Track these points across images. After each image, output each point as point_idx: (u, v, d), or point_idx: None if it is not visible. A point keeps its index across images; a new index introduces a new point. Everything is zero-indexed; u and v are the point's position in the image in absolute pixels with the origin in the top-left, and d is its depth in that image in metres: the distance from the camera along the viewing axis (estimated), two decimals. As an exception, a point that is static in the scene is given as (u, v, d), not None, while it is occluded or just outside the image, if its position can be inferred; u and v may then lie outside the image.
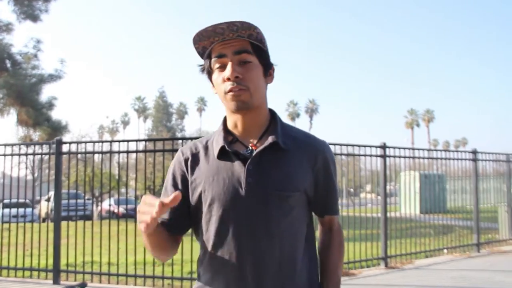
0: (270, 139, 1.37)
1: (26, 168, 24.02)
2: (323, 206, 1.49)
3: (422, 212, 11.48)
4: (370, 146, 7.70)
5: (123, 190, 18.29)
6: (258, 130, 1.43)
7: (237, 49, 1.34)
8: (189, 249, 6.03)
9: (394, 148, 8.02)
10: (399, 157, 8.11)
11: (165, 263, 6.39)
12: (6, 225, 7.94)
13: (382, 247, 7.76)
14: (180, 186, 1.45)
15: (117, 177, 8.77)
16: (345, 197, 10.67)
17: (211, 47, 1.38)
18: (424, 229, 9.70)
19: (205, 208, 1.39)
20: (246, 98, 1.35)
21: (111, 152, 6.63)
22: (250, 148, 1.40)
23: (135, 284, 6.36)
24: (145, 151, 7.28)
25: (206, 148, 1.46)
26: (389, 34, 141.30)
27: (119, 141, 6.68)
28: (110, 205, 12.53)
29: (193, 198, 1.43)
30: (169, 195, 1.19)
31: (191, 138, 6.78)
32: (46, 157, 7.20)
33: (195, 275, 6.19)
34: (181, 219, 1.45)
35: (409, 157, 8.46)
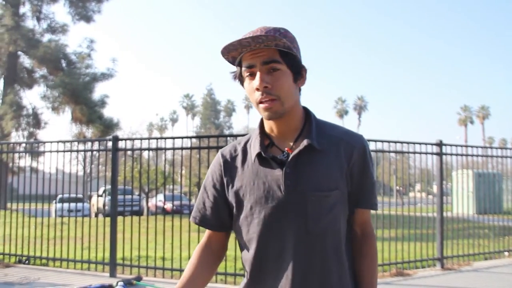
0: (305, 142, 1.39)
1: (78, 164, 24.83)
2: (356, 199, 1.46)
3: (476, 213, 11.09)
4: (426, 144, 7.47)
5: (171, 186, 18.64)
6: (294, 132, 1.44)
7: (265, 60, 1.34)
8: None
9: (451, 145, 7.77)
10: (456, 155, 7.83)
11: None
12: (62, 219, 8.21)
13: (438, 248, 7.53)
14: (218, 187, 1.51)
15: (166, 174, 8.93)
16: (394, 196, 10.45)
17: (240, 56, 1.40)
18: (481, 230, 9.35)
19: (246, 211, 1.44)
20: (277, 108, 1.37)
21: (165, 149, 6.72)
22: (286, 152, 1.41)
23: (189, 279, 6.43)
24: (194, 148, 7.35)
25: (244, 151, 1.50)
26: (441, 29, 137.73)
27: (173, 138, 6.78)
28: (160, 201, 12.75)
29: (232, 201, 1.48)
30: (208, 195, 1.51)
31: (238, 135, 6.74)
32: (98, 154, 7.39)
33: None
34: (223, 218, 1.52)
35: (466, 155, 8.16)
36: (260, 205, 1.41)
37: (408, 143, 7.43)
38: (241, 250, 1.51)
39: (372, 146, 7.09)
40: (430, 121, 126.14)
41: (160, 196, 20.24)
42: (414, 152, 7.44)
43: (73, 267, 7.19)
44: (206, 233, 1.58)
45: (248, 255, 1.46)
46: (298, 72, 1.40)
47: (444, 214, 7.72)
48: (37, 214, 8.11)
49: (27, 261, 7.55)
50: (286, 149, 1.42)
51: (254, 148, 1.45)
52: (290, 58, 1.36)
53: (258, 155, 1.43)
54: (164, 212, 7.27)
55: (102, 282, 5.63)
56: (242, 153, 1.49)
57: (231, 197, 1.48)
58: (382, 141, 7.18)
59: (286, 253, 1.39)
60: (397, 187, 10.34)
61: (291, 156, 1.39)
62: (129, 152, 7.84)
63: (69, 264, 7.24)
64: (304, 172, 1.38)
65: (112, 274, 6.63)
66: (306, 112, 1.49)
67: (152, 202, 23.25)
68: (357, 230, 1.50)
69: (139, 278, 6.26)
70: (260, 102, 1.37)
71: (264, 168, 1.42)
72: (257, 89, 1.36)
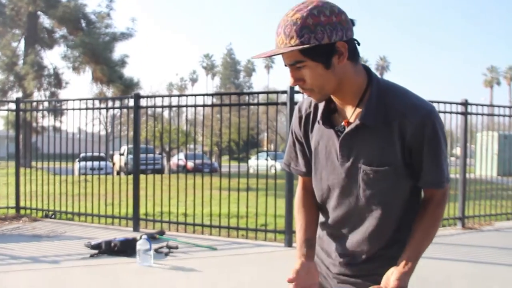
0: (357, 121, 1.40)
1: (100, 124, 25.10)
2: (420, 178, 1.45)
3: (500, 175, 10.92)
4: (450, 103, 7.33)
5: (192, 146, 18.77)
6: (353, 101, 1.44)
7: (289, 63, 1.37)
8: (264, 202, 6.10)
9: (476, 105, 7.59)
10: (482, 114, 7.65)
11: (240, 215, 6.52)
12: (86, 177, 8.36)
13: (459, 207, 7.49)
14: (299, 138, 1.62)
15: (187, 132, 8.97)
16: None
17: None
18: (505, 191, 9.25)
19: (313, 165, 1.58)
20: (316, 97, 1.43)
21: (186, 106, 6.71)
22: (343, 125, 1.45)
23: (210, 234, 6.54)
24: (215, 105, 7.33)
25: (316, 108, 1.55)
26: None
27: (194, 95, 6.76)
28: (181, 160, 12.90)
29: (308, 152, 1.62)
30: (295, 145, 1.64)
31: (257, 93, 6.75)
32: (119, 113, 7.42)
33: (269, 227, 6.29)
34: (311, 164, 1.62)
35: (492, 115, 7.98)
36: (321, 165, 1.54)
37: (432, 102, 7.28)
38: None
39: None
40: (455, 83, 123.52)
41: (181, 155, 20.41)
42: (438, 111, 7.29)
43: (97, 221, 7.36)
44: (299, 179, 1.71)
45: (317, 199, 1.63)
46: (329, 57, 1.34)
47: (467, 175, 7.64)
48: (61, 172, 8.27)
49: (53, 216, 7.75)
50: (344, 122, 1.45)
51: (319, 112, 1.51)
52: (312, 51, 1.32)
53: (322, 119, 1.49)
54: (185, 170, 7.31)
55: (126, 236, 5.76)
56: (314, 110, 1.56)
57: (308, 150, 1.61)
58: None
59: (338, 215, 1.54)
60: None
61: (345, 132, 1.43)
62: (150, 112, 7.86)
63: (93, 219, 7.41)
64: (356, 146, 1.43)
65: (136, 229, 6.77)
66: (369, 76, 1.44)
67: (173, 161, 23.50)
68: (424, 199, 1.51)
69: (162, 233, 6.40)
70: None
71: (327, 131, 1.49)
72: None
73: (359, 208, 1.49)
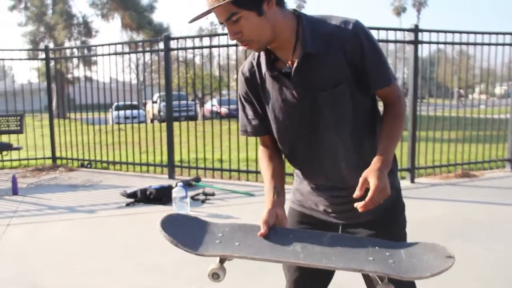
0: (301, 52, 1.46)
1: (131, 72, 25.06)
2: (370, 83, 1.50)
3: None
4: (503, 33, 6.74)
5: (224, 92, 18.53)
6: (290, 44, 1.49)
7: (224, 18, 1.40)
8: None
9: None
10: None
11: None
12: (119, 126, 8.29)
13: (508, 149, 7.10)
14: (250, 100, 1.65)
15: (218, 78, 8.67)
16: (455, 97, 9.77)
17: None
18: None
19: (272, 119, 1.60)
20: (255, 47, 1.48)
21: (219, 46, 6.38)
22: (289, 65, 1.50)
23: (247, 180, 6.38)
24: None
25: (259, 65, 1.58)
26: None
27: (226, 35, 6.40)
28: (214, 105, 12.65)
29: (262, 112, 1.64)
30: (246, 109, 1.67)
31: None
32: (150, 61, 7.16)
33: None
34: (266, 124, 1.66)
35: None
36: (281, 113, 1.56)
37: (485, 33, 6.71)
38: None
39: (434, 37, 6.46)
40: (504, 17, 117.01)
41: (214, 101, 20.24)
42: (483, 44, 6.72)
43: (132, 170, 7.31)
44: (259, 141, 1.74)
45: (286, 156, 1.69)
46: (259, 4, 1.40)
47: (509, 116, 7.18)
48: (94, 122, 8.22)
49: (89, 165, 7.74)
50: (289, 62, 1.50)
51: (263, 65, 1.55)
52: (242, 1, 1.37)
53: (269, 71, 1.53)
54: (219, 116, 7.11)
55: (162, 184, 5.65)
56: (257, 68, 1.59)
57: (260, 109, 1.64)
58: (446, 32, 6.50)
59: (313, 147, 1.57)
60: (458, 89, 9.64)
61: (294, 67, 1.47)
62: (181, 55, 7.58)
63: (128, 167, 7.36)
64: (308, 78, 1.48)
65: (171, 176, 6.68)
66: (298, 17, 1.50)
67: (206, 107, 23.40)
68: (384, 105, 1.59)
69: (197, 179, 6.27)
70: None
71: (276, 81, 1.53)
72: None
73: (331, 142, 1.53)
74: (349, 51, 1.45)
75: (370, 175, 1.39)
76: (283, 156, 1.72)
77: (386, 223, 1.61)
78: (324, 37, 1.46)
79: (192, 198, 5.25)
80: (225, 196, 5.54)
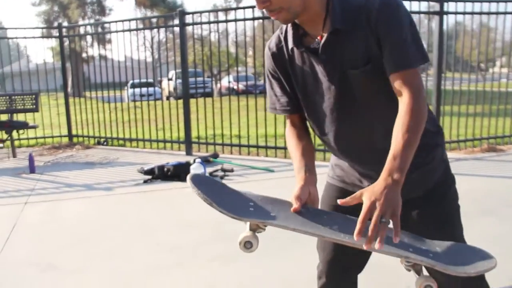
0: (330, 28, 1.36)
1: (146, 50, 24.94)
2: (388, 63, 1.33)
3: None
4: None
5: (240, 68, 18.32)
6: (320, 17, 1.40)
7: None
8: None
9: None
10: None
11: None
12: (135, 103, 8.21)
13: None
14: (278, 77, 1.55)
15: (234, 55, 8.50)
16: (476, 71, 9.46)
17: None
18: None
19: (302, 97, 1.53)
20: (284, 16, 1.36)
21: (236, 20, 6.19)
22: (318, 40, 1.41)
23: (266, 156, 6.25)
24: (265, 17, 6.75)
25: (286, 40, 1.50)
26: None
27: (243, 8, 6.19)
28: (230, 82, 12.56)
29: (291, 88, 1.55)
30: (276, 91, 1.57)
31: None
32: (165, 39, 7.01)
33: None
34: (296, 101, 1.57)
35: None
36: (311, 92, 1.48)
37: (504, 1, 6.40)
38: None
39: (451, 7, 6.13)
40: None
41: (229, 78, 20.14)
42: (506, 13, 6.40)
43: (149, 146, 7.23)
44: (287, 120, 1.64)
45: (316, 132, 1.59)
46: None
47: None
48: (110, 100, 8.14)
49: (105, 143, 7.68)
50: (318, 37, 1.41)
51: (290, 41, 1.47)
52: None
53: (296, 47, 1.45)
54: (236, 92, 6.94)
55: (179, 160, 5.55)
56: (285, 43, 1.51)
57: (289, 86, 1.55)
58: (472, 1, 6.19)
59: (346, 127, 1.47)
60: (478, 63, 9.32)
61: (321, 45, 1.39)
62: (196, 31, 7.41)
63: (145, 144, 7.28)
64: (336, 55, 1.39)
65: (188, 152, 6.58)
66: None
67: (222, 83, 23.27)
68: (397, 93, 1.35)
69: (215, 155, 6.16)
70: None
71: (304, 58, 1.45)
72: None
73: (365, 122, 1.44)
74: (373, 21, 1.33)
75: (365, 193, 1.19)
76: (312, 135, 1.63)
77: (437, 197, 1.51)
78: (354, 12, 1.36)
79: (211, 174, 5.14)
80: (244, 172, 5.42)
